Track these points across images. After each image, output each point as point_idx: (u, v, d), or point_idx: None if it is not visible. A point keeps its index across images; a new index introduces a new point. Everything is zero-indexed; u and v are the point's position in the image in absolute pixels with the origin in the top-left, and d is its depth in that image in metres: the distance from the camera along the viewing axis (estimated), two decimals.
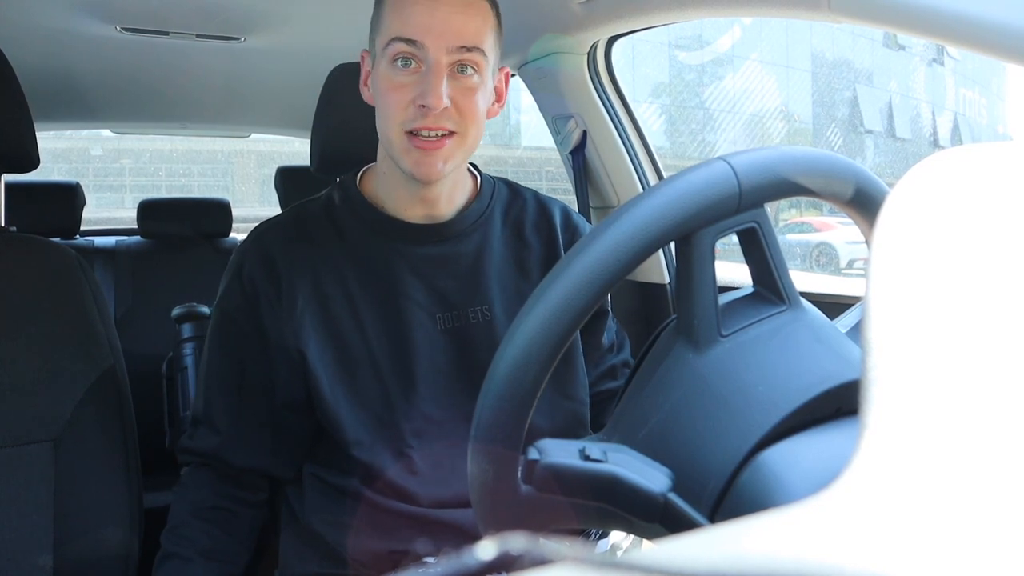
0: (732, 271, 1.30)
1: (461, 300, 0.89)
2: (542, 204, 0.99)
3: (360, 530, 0.86)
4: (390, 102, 0.82)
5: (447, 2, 0.80)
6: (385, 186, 0.91)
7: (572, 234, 0.99)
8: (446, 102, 0.80)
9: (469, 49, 0.81)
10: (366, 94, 0.89)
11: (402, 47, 0.80)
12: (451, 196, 0.91)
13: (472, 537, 0.85)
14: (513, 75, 1.48)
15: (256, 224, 0.96)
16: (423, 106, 0.80)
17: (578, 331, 0.96)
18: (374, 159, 1.04)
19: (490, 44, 0.84)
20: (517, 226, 0.95)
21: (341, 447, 0.86)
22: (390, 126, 0.83)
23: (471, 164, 0.97)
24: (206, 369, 0.92)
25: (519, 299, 0.92)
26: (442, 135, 0.82)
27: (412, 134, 0.82)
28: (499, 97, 0.90)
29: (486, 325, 0.89)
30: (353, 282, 0.88)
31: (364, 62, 0.89)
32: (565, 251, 0.95)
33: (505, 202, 0.97)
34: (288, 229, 0.92)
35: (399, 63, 0.81)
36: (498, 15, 0.86)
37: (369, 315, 0.88)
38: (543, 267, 0.95)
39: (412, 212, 0.90)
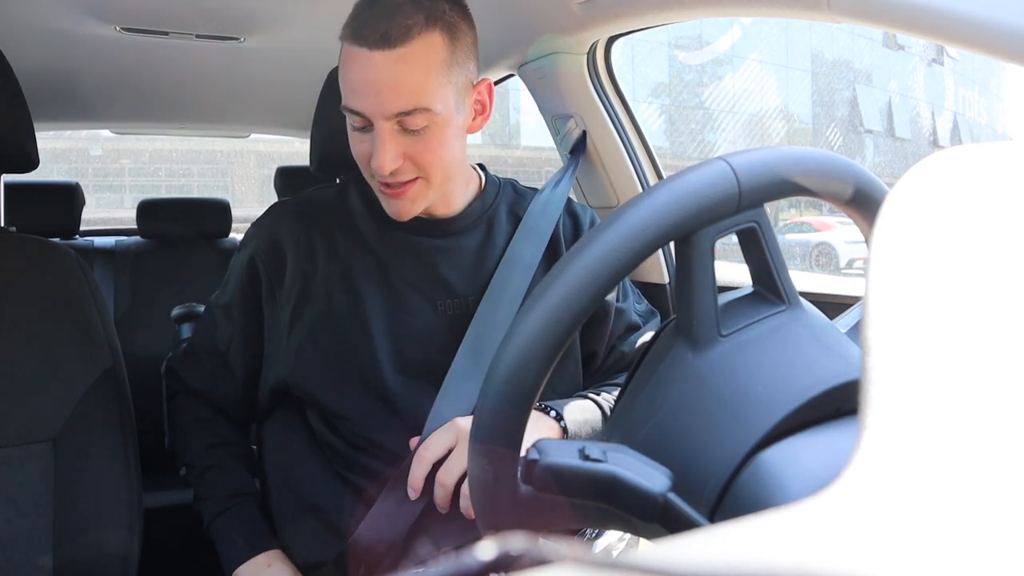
0: (732, 271, 1.30)
1: (463, 289, 0.93)
2: None
3: (360, 523, 0.87)
4: (353, 153, 0.86)
5: (379, 64, 0.78)
6: None
7: (576, 227, 1.02)
8: (394, 165, 0.81)
9: (407, 112, 0.79)
10: None
11: (351, 116, 0.82)
12: (447, 201, 0.93)
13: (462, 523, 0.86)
14: (512, 75, 1.48)
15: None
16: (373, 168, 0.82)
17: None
18: None
19: (438, 92, 0.80)
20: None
21: (333, 423, 0.90)
22: (362, 171, 0.88)
23: (478, 164, 1.01)
24: (211, 319, 1.01)
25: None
26: (406, 181, 0.84)
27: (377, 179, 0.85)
28: (482, 109, 0.89)
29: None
30: (357, 266, 0.91)
31: None
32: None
33: (510, 202, 1.00)
34: (298, 211, 0.96)
35: (354, 129, 0.83)
36: (453, 38, 0.82)
37: (370, 300, 0.90)
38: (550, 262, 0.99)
39: None
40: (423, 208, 0.88)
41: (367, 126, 0.81)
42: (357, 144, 0.84)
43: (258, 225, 0.97)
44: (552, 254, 0.97)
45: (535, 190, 1.05)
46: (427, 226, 0.93)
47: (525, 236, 0.96)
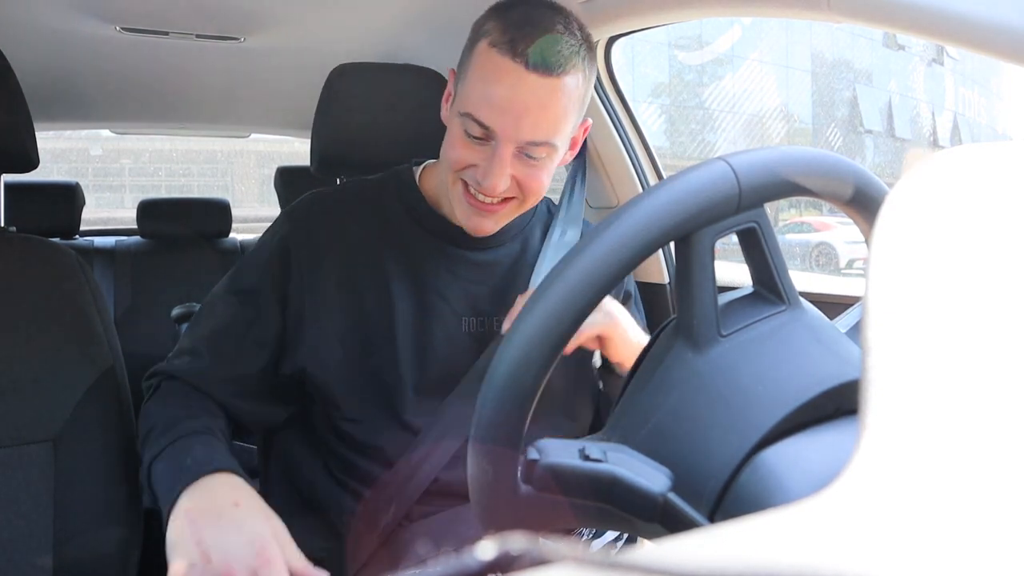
0: (732, 271, 1.30)
1: (490, 308, 0.91)
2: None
3: (359, 509, 0.88)
4: (452, 156, 0.81)
5: (531, 88, 0.75)
6: (444, 189, 0.89)
7: None
8: (505, 186, 0.79)
9: (537, 144, 0.78)
10: (444, 112, 0.87)
11: (473, 126, 0.78)
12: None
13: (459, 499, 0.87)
14: None
15: (309, 192, 0.96)
16: (479, 181, 0.79)
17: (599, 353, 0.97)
18: (374, 159, 1.04)
19: (566, 129, 0.80)
20: None
21: (338, 423, 0.88)
22: (447, 169, 0.83)
23: None
24: (217, 309, 0.91)
25: None
26: (500, 200, 0.82)
27: (467, 185, 0.82)
28: (573, 145, 0.88)
29: None
30: (391, 267, 0.89)
31: (451, 79, 0.86)
32: None
33: (545, 221, 0.99)
34: (339, 203, 0.92)
35: (467, 135, 0.79)
36: (589, 74, 0.81)
37: (400, 303, 0.88)
38: None
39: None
40: (497, 228, 0.87)
41: (486, 140, 0.79)
42: (462, 150, 0.80)
43: (293, 213, 0.93)
44: None
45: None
46: (467, 238, 0.89)
47: (552, 256, 0.94)
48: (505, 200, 0.83)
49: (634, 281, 1.08)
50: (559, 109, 0.77)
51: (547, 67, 0.74)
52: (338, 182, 1.03)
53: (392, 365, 0.87)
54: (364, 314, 0.88)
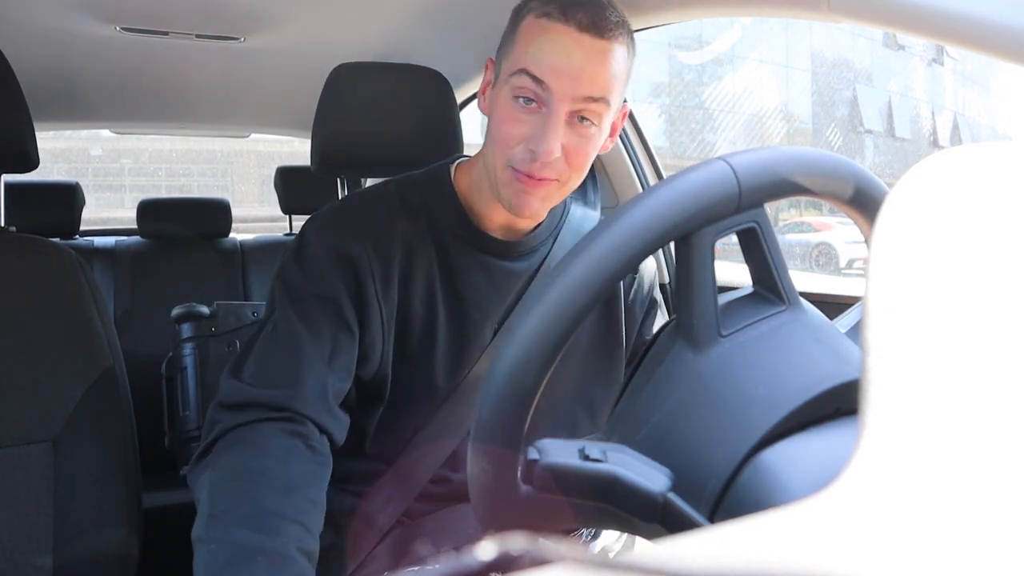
0: (732, 271, 1.30)
1: None
2: None
3: (357, 508, 0.88)
4: (502, 135, 0.81)
5: (586, 47, 0.76)
6: (478, 189, 0.89)
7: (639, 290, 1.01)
8: (558, 153, 0.78)
9: (595, 99, 0.78)
10: (482, 103, 0.87)
11: (527, 83, 0.77)
12: None
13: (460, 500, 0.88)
14: None
15: (358, 192, 0.93)
16: (533, 150, 0.78)
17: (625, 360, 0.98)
18: (374, 159, 1.04)
19: (617, 92, 0.81)
20: None
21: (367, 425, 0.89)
22: (496, 157, 0.82)
23: None
24: (293, 317, 0.83)
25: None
26: (549, 178, 0.81)
27: (516, 170, 0.81)
28: (612, 132, 0.87)
29: None
30: (435, 275, 0.88)
31: (488, 71, 0.86)
32: (629, 301, 0.99)
33: (577, 223, 0.98)
34: (386, 207, 0.89)
35: (521, 100, 0.78)
36: (632, 54, 0.82)
37: (442, 315, 0.88)
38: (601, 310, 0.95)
39: (496, 219, 0.90)
40: (543, 214, 0.88)
41: (538, 103, 0.78)
42: (513, 125, 0.79)
43: (337, 219, 0.88)
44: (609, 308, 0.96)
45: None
46: (500, 247, 0.90)
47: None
48: (550, 180, 0.81)
49: (658, 287, 1.06)
50: (612, 70, 0.78)
51: (599, 29, 0.76)
52: (339, 181, 1.02)
53: (429, 375, 0.88)
54: (410, 320, 0.87)
